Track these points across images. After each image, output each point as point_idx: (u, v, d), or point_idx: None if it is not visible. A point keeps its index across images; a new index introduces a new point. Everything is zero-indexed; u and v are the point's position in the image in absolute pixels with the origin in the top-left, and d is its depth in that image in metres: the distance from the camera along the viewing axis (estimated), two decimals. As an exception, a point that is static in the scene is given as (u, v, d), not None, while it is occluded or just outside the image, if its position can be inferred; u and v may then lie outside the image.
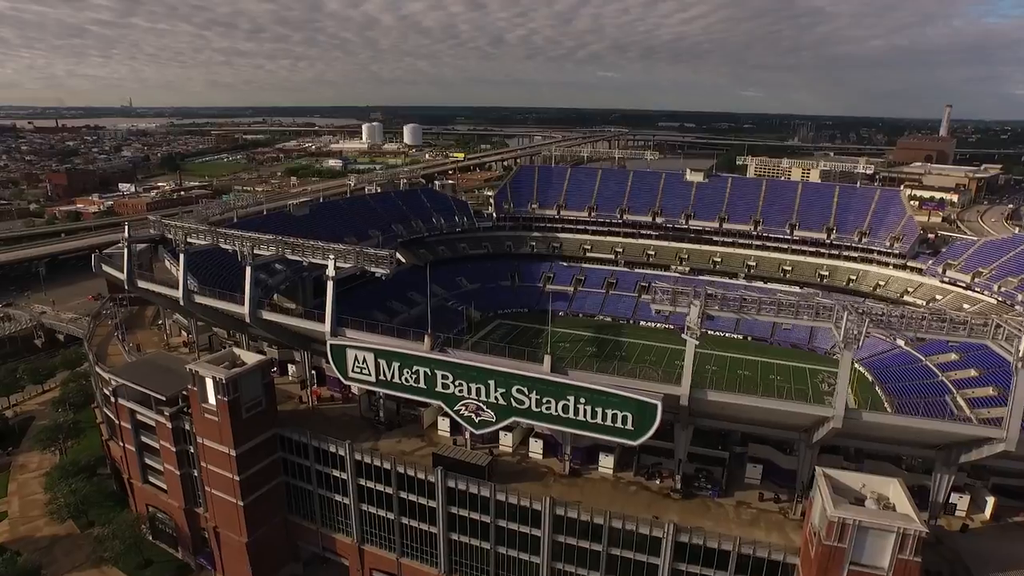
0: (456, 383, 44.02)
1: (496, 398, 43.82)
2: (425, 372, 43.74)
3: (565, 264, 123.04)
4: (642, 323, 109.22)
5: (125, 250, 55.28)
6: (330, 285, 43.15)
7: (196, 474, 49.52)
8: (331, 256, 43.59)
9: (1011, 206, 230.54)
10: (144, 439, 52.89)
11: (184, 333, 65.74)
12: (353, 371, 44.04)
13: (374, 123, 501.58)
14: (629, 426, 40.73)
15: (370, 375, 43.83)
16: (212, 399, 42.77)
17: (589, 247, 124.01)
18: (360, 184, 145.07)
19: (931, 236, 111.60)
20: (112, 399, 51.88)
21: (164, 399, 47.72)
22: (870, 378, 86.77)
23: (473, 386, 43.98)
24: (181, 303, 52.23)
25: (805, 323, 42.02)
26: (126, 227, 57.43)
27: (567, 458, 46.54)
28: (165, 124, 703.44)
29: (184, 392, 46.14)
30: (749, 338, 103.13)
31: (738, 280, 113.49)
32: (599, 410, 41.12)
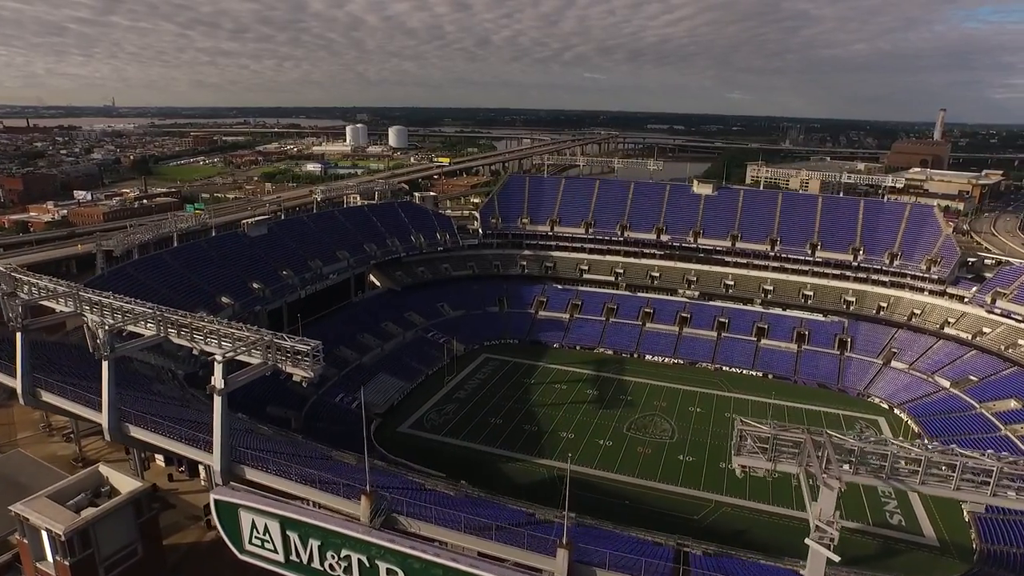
0: (411, 585, 26.84)
1: (477, 616, 26.58)
2: (360, 561, 26.82)
3: (560, 287, 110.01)
4: (647, 357, 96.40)
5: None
6: (218, 403, 27.69)
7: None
8: (226, 345, 28.77)
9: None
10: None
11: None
12: (251, 543, 28.06)
13: (358, 125, 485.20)
14: None
15: (276, 553, 27.77)
16: (50, 558, 28.82)
17: (586, 267, 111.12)
18: (335, 192, 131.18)
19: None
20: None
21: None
22: (916, 428, 74.47)
23: (439, 592, 26.78)
24: (21, 400, 37.28)
25: (1012, 503, 26.45)
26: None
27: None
28: (145, 125, 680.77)
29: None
30: (770, 376, 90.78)
31: (754, 307, 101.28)
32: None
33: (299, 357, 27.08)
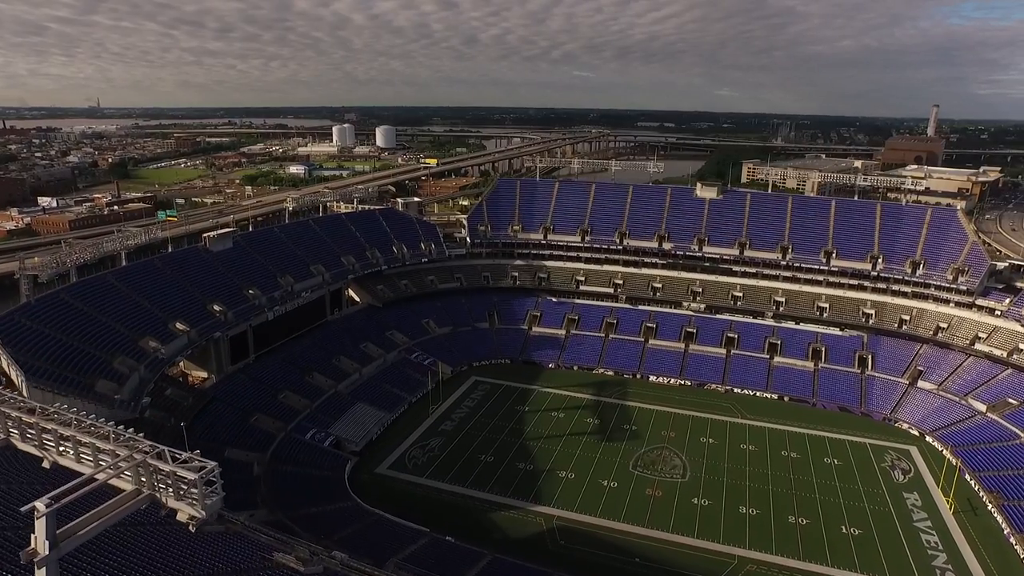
0: None
1: None
2: None
3: (554, 300, 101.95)
4: (651, 378, 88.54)
5: None
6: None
7: None
8: (87, 459, 19.07)
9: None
10: None
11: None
12: None
13: (345, 125, 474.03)
14: None
15: None
16: None
17: (583, 278, 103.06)
18: (311, 198, 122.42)
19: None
20: None
21: None
22: (953, 461, 66.80)
23: None
24: None
25: None
26: None
27: None
28: (128, 126, 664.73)
29: None
30: (786, 398, 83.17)
31: (766, 320, 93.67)
32: None
33: (185, 486, 18.18)
